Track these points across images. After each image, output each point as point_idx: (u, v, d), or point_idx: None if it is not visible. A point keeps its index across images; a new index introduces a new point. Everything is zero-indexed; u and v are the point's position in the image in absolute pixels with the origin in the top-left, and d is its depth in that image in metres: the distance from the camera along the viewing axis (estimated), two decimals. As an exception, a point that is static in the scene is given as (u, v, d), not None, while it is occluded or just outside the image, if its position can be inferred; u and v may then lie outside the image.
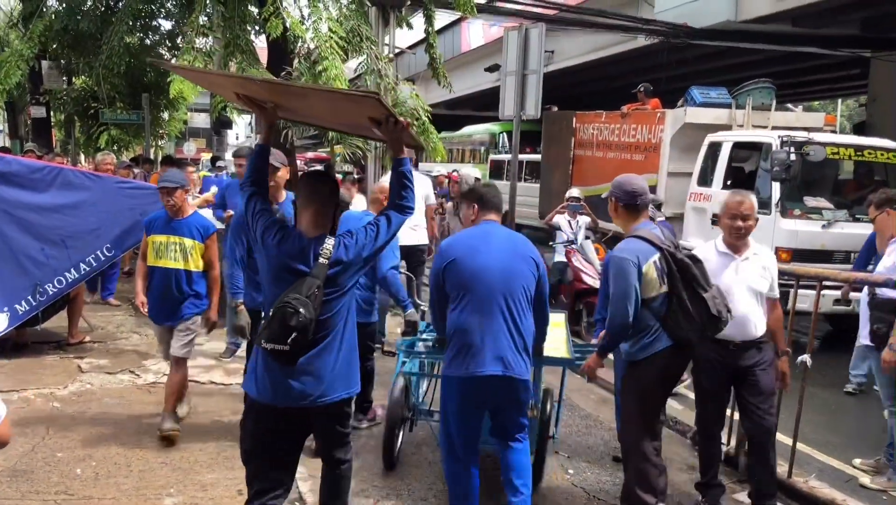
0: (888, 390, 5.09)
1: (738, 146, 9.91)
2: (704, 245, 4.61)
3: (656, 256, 3.95)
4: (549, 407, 4.74)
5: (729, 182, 9.76)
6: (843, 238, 8.72)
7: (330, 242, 3.32)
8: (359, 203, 6.65)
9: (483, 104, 27.11)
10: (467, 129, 27.01)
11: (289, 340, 3.13)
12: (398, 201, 3.47)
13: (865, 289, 5.32)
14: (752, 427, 4.39)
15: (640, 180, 4.28)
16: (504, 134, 22.99)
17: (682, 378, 5.03)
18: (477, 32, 26.72)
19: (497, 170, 20.93)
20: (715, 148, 10.09)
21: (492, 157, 22.61)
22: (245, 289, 5.10)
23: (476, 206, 4.10)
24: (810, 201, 9.00)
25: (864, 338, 5.36)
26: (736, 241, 4.32)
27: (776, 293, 4.42)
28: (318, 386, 3.31)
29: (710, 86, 11.59)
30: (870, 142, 9.68)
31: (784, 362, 4.47)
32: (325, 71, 10.48)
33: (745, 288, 4.28)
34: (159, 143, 26.06)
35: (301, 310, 3.13)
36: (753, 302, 4.29)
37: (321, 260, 3.28)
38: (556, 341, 4.80)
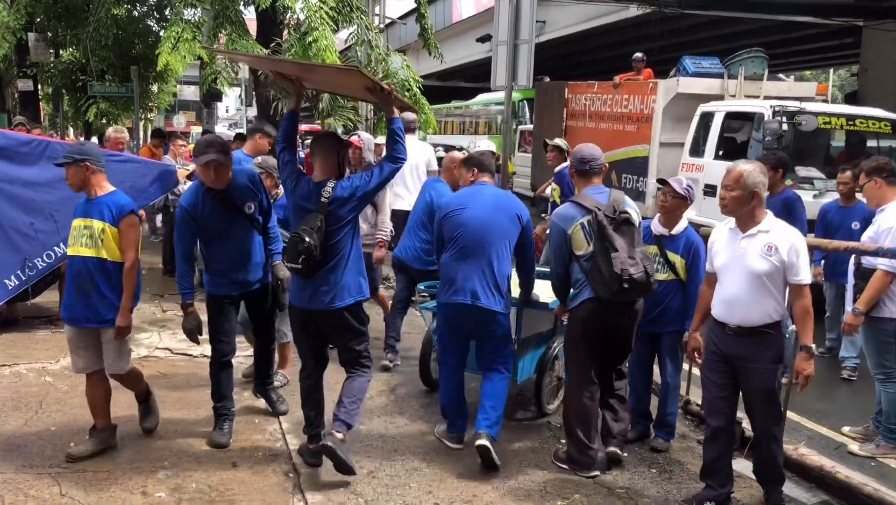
0: (875, 358, 5.13)
1: (730, 116, 9.90)
2: (722, 223, 4.27)
3: (584, 219, 4.52)
4: (552, 347, 5.51)
5: (721, 152, 9.76)
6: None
7: (330, 185, 4.26)
8: None
9: (475, 75, 26.96)
10: (482, 98, 24.12)
11: (300, 260, 4.11)
12: (390, 153, 4.36)
13: (852, 258, 5.34)
14: (753, 425, 4.24)
15: (593, 149, 4.75)
16: (525, 102, 20.46)
17: None
18: (468, 2, 26.52)
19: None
20: (707, 118, 10.08)
21: (521, 127, 19.93)
22: (206, 276, 4.89)
23: (475, 169, 4.95)
24: (802, 171, 9.01)
25: (849, 305, 5.39)
26: (723, 213, 4.08)
27: (799, 277, 3.89)
28: (328, 295, 4.28)
29: (703, 55, 11.54)
30: (861, 111, 9.68)
31: (802, 359, 3.96)
32: (315, 42, 10.44)
33: (740, 267, 3.97)
34: (149, 116, 25.87)
35: (306, 238, 4.10)
36: (747, 284, 3.94)
37: (322, 199, 4.22)
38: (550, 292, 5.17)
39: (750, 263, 3.94)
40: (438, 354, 5.09)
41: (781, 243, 3.89)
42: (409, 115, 8.63)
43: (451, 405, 4.95)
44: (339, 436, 4.28)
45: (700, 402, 5.53)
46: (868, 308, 4.91)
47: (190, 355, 6.53)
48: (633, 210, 4.65)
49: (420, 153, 8.28)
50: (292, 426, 5.05)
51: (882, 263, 4.87)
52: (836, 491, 4.52)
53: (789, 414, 5.09)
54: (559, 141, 8.61)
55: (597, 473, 4.60)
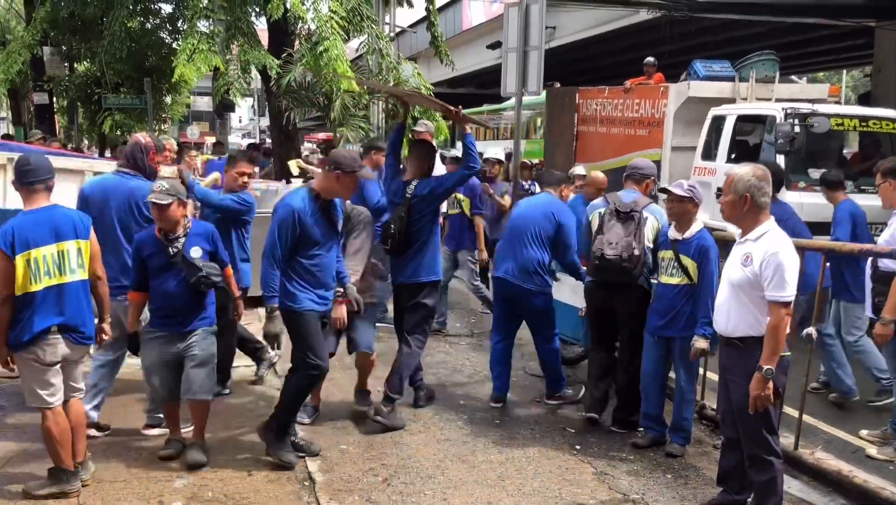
0: (893, 363, 5.09)
1: (741, 119, 9.85)
2: None
3: (603, 209, 5.35)
4: None
5: (733, 156, 9.71)
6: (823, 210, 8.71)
7: (413, 183, 5.36)
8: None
9: (486, 82, 26.93)
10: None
11: (388, 242, 5.33)
12: (465, 161, 5.52)
13: (869, 261, 5.30)
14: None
15: (639, 161, 5.70)
16: None
17: None
18: (478, 9, 26.53)
19: None
20: (719, 121, 10.03)
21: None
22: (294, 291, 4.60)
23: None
24: (815, 173, 8.94)
25: (867, 310, 5.35)
26: (723, 219, 4.08)
27: (771, 293, 3.70)
28: (410, 270, 5.41)
29: (714, 59, 11.50)
30: (874, 112, 9.62)
31: (756, 380, 3.72)
32: (326, 51, 10.54)
33: (725, 275, 3.98)
34: (163, 128, 26.05)
35: (392, 225, 5.29)
36: (726, 293, 3.93)
37: (406, 195, 5.34)
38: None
39: (729, 272, 3.93)
40: (493, 321, 6.22)
41: (757, 253, 3.75)
42: (428, 125, 8.65)
43: (493, 366, 5.99)
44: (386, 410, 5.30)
45: (715, 406, 5.53)
46: (895, 315, 4.82)
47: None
48: (653, 214, 5.28)
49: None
50: (308, 434, 5.07)
51: None
52: (854, 495, 4.49)
53: (805, 417, 5.05)
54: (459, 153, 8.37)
55: (592, 415, 5.47)
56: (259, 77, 12.95)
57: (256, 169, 11.26)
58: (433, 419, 5.51)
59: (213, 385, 4.80)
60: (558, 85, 15.15)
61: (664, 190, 5.03)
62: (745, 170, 3.90)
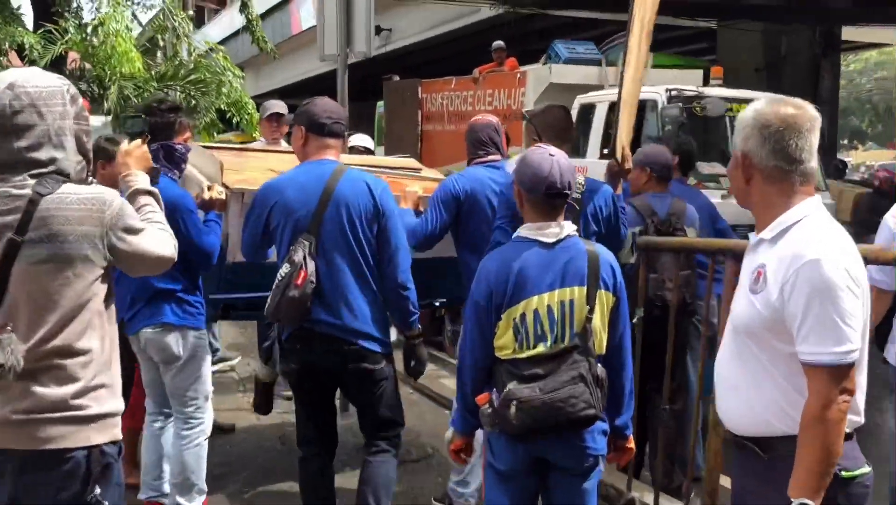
0: None
1: (615, 107, 8.41)
2: None
3: None
4: None
5: (606, 151, 8.25)
6: (743, 210, 7.41)
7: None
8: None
9: (320, 90, 25.08)
10: None
11: None
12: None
13: None
14: None
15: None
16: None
17: None
18: (308, 12, 24.78)
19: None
20: (587, 111, 8.68)
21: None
22: None
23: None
24: (705, 167, 7.66)
25: None
26: None
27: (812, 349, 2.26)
28: None
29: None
30: (772, 96, 8.44)
31: None
32: (102, 25, 8.89)
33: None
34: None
35: None
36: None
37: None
38: None
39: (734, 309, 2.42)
40: None
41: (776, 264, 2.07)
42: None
43: None
44: None
45: None
46: None
47: None
48: None
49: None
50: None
51: None
52: None
53: None
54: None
55: None
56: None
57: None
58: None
59: None
60: (397, 78, 13.48)
61: None
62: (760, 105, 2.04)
